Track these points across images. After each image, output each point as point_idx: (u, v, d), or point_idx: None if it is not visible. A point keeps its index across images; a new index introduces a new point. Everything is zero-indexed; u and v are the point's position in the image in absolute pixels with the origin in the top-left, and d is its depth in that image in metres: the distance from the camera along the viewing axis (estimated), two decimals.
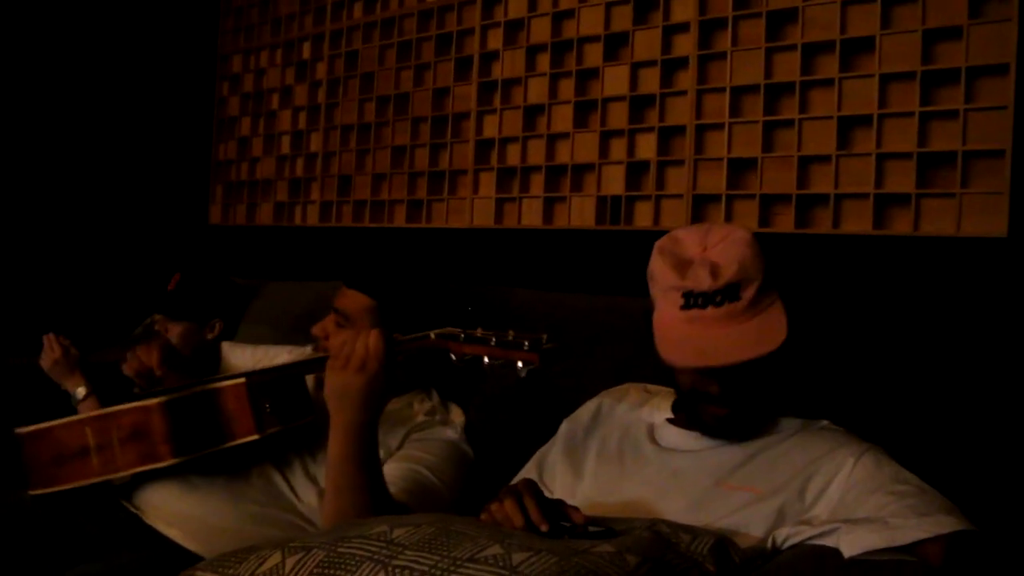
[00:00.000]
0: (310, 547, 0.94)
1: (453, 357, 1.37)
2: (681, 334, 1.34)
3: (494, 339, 1.31)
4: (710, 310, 1.31)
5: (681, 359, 1.32)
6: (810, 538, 1.21)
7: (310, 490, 1.61)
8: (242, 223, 3.16)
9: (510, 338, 1.29)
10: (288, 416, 1.56)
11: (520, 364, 1.27)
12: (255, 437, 1.50)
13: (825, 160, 1.86)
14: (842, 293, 1.84)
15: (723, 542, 1.09)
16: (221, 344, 2.18)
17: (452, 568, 0.85)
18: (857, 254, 1.83)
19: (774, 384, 1.38)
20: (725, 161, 1.99)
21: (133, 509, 1.56)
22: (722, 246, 1.35)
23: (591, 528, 1.08)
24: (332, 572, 0.88)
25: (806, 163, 1.89)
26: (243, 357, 2.11)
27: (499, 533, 0.94)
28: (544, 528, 1.07)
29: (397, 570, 0.86)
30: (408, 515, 1.09)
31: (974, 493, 1.31)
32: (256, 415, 1.50)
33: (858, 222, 1.82)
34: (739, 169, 1.98)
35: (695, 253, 1.36)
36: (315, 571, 0.89)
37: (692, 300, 1.32)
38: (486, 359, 1.31)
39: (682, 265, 1.35)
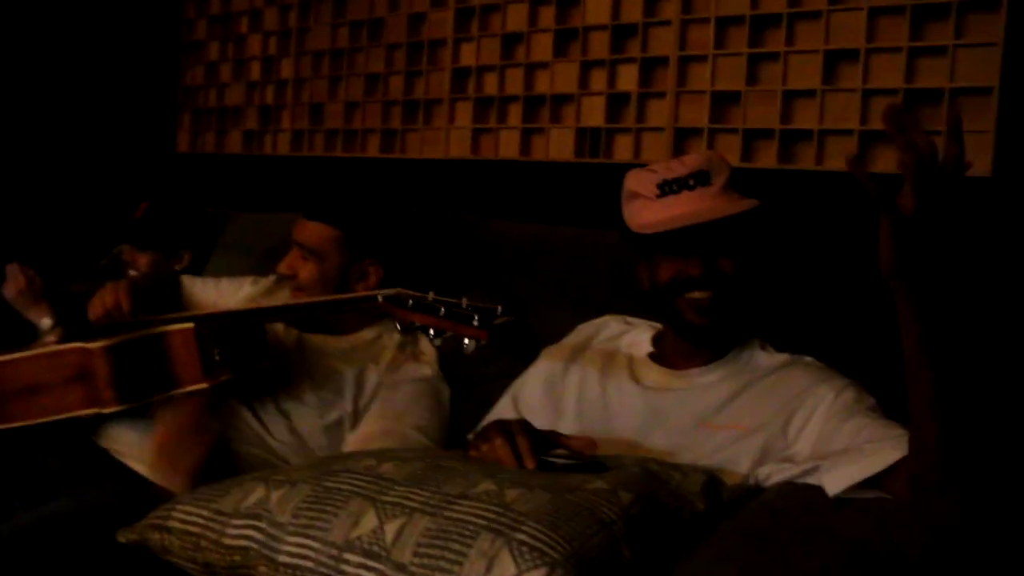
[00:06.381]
0: (295, 481, 0.92)
1: (398, 325, 1.32)
2: (658, 216, 1.38)
3: (443, 309, 1.25)
4: (684, 194, 1.37)
5: (656, 228, 1.36)
6: (793, 477, 1.21)
7: (281, 425, 1.58)
8: (211, 151, 3.08)
9: (462, 307, 1.24)
10: (241, 363, 1.50)
11: (467, 341, 1.22)
12: (203, 385, 1.44)
13: (810, 95, 1.83)
14: (825, 230, 1.82)
15: (713, 480, 1.09)
16: (181, 278, 2.12)
17: (444, 504, 0.84)
18: (840, 191, 1.81)
19: (753, 280, 1.40)
20: (708, 94, 1.95)
21: (103, 445, 1.53)
22: (689, 154, 1.44)
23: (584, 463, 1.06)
24: (320, 507, 0.86)
25: (790, 97, 1.86)
26: (205, 291, 2.06)
27: (490, 468, 0.92)
28: (531, 465, 1.06)
29: (387, 506, 0.84)
30: (394, 449, 1.06)
31: None
32: (205, 362, 1.43)
33: (842, 159, 1.80)
34: (722, 103, 1.95)
35: (666, 164, 1.43)
36: (301, 506, 0.87)
37: (666, 187, 1.38)
38: (431, 331, 1.26)
39: (653, 170, 1.42)
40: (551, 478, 0.93)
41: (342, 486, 0.89)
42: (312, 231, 1.70)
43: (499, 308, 1.23)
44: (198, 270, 2.28)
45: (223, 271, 2.23)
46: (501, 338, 1.21)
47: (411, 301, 1.30)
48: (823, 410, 1.29)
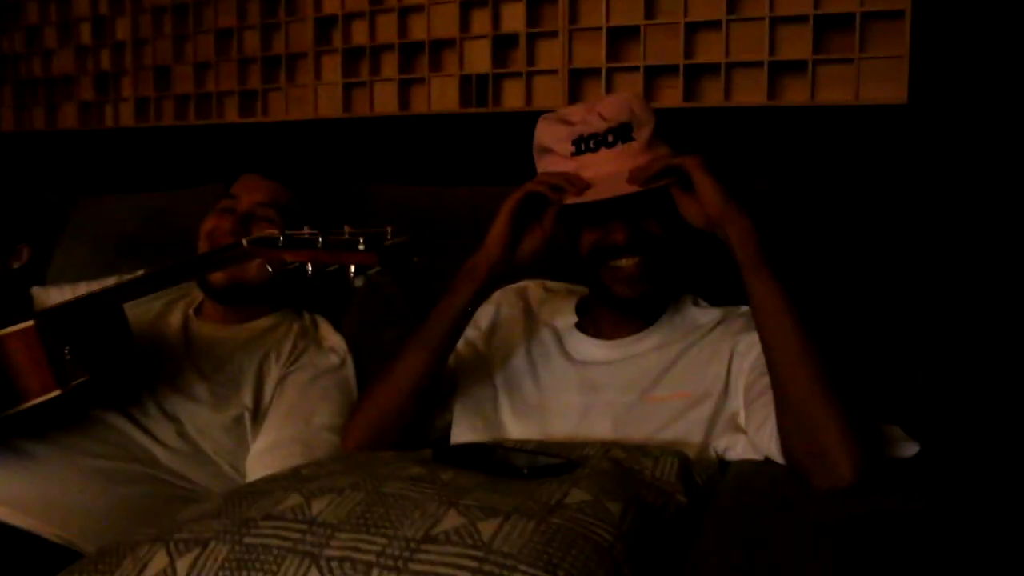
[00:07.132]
0: (206, 540, 0.72)
1: (270, 268, 1.15)
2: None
3: (321, 239, 1.07)
4: (602, 152, 1.21)
5: (574, 198, 1.19)
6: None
7: (169, 429, 1.36)
8: (41, 128, 2.73)
9: (344, 236, 1.05)
10: (99, 361, 1.24)
11: (354, 270, 1.04)
12: (56, 393, 1.17)
13: (714, 26, 1.70)
14: (735, 168, 1.73)
15: (685, 464, 0.96)
16: (31, 291, 1.83)
17: (407, 555, 0.66)
18: (751, 126, 1.71)
19: (682, 240, 1.26)
20: (604, 30, 1.80)
21: None
22: (609, 100, 1.27)
23: (543, 458, 0.91)
24: (245, 575, 0.68)
25: (693, 30, 1.73)
26: (62, 299, 1.77)
27: (446, 492, 0.74)
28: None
29: (333, 564, 0.66)
30: (319, 473, 0.85)
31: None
32: (54, 365, 1.17)
33: (751, 93, 1.69)
34: (619, 39, 1.80)
35: (583, 114, 1.26)
36: (220, 575, 0.68)
37: (583, 144, 1.22)
38: (310, 266, 1.08)
39: (569, 120, 1.25)
40: (521, 494, 0.76)
41: (269, 541, 0.70)
42: (272, 186, 1.57)
43: (389, 229, 1.05)
44: (41, 268, 1.99)
45: (72, 267, 1.96)
46: (395, 262, 1.04)
47: (282, 238, 1.11)
48: (752, 359, 1.20)
